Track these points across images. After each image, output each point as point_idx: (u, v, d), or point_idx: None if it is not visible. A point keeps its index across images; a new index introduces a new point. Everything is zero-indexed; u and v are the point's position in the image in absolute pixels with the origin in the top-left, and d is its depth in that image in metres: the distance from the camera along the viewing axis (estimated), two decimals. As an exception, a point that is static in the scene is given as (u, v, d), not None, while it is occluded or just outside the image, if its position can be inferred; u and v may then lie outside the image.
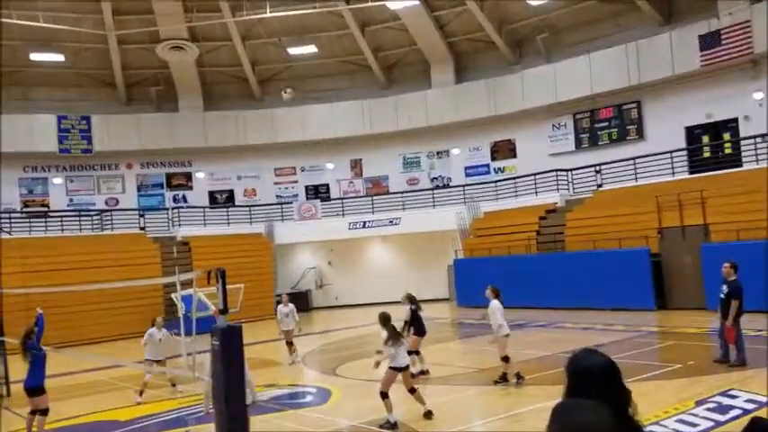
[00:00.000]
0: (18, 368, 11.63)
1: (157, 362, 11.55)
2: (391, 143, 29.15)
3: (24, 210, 26.89)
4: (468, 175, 28.70)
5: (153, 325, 11.99)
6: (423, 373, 11.42)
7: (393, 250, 28.55)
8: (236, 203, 29.96)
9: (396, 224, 26.75)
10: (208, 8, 26.58)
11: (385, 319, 8.83)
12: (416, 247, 27.13)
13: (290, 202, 29.39)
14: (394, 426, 8.28)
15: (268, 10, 25.29)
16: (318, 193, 30.52)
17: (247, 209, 29.12)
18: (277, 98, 29.84)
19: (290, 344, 14.62)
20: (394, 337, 8.64)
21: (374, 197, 28.76)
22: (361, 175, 30.42)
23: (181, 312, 19.20)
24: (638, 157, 22.48)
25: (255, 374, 10.70)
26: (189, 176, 30.20)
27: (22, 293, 15.71)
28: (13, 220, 25.45)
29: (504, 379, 10.27)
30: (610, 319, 16.92)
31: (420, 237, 26.25)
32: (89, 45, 27.29)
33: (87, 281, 20.30)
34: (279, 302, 15.92)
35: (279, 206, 29.19)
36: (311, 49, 28.70)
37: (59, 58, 27.02)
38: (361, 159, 30.34)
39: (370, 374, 10.56)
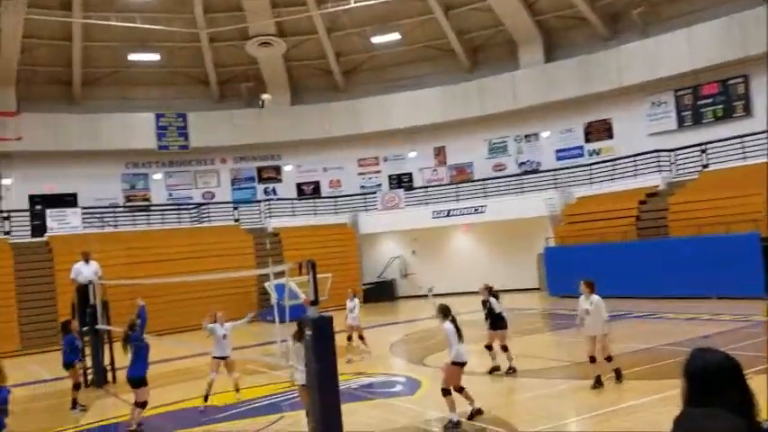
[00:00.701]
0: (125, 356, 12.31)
1: (223, 359, 10.57)
2: (476, 129, 28.67)
3: (127, 204, 28.46)
4: (559, 158, 27.76)
5: (215, 320, 10.80)
6: (495, 369, 11.00)
7: (478, 239, 28.12)
8: (323, 195, 30.47)
9: (481, 212, 26.28)
10: (294, 2, 27.05)
11: (445, 312, 8.37)
12: (503, 236, 26.57)
13: (374, 192, 29.56)
14: (457, 425, 7.88)
15: (353, 0, 25.43)
16: (401, 182, 30.52)
17: (333, 200, 29.56)
18: (360, 89, 30.06)
19: (360, 337, 14.12)
20: (458, 330, 8.22)
21: (458, 185, 28.41)
22: (445, 163, 30.13)
23: (273, 301, 19.70)
24: (746, 135, 20.99)
25: (343, 363, 10.69)
26: (278, 169, 31.01)
27: (127, 284, 16.57)
28: (117, 215, 27.01)
29: (599, 383, 9.30)
30: (716, 309, 15.93)
31: (507, 224, 25.67)
32: (183, 44, 28.43)
33: (186, 271, 21.27)
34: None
35: (363, 196, 29.44)
36: (394, 36, 28.63)
37: (155, 57, 28.33)
38: (444, 146, 30.05)
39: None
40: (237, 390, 10.54)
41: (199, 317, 21.65)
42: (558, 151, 27.94)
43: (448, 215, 27.04)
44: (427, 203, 28.21)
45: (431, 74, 29.63)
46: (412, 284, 28.73)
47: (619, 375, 9.46)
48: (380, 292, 27.66)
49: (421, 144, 30.04)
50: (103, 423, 10.08)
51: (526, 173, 27.95)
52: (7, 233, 23.23)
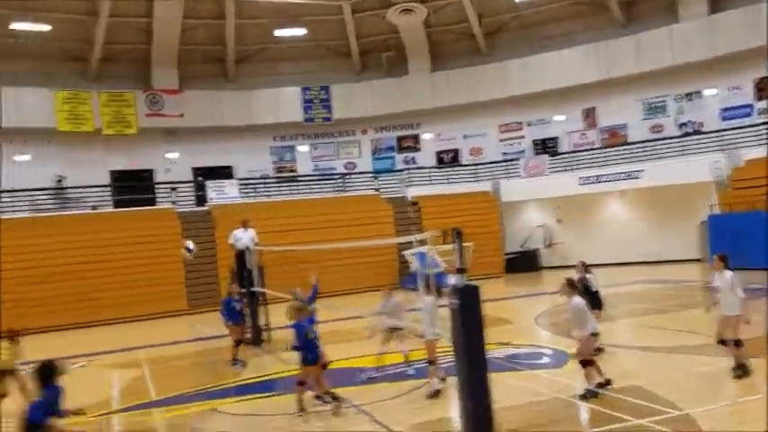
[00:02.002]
0: (279, 317, 12.94)
1: (398, 330, 10.13)
2: (630, 88, 26.69)
3: (276, 175, 29.93)
4: (725, 118, 25.13)
5: (390, 295, 10.43)
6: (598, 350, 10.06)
7: (631, 206, 26.32)
8: (463, 162, 30.06)
9: (636, 177, 24.48)
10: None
11: (572, 286, 8.28)
12: (660, 203, 24.64)
13: (517, 159, 28.64)
14: (595, 395, 7.78)
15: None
16: (546, 147, 29.26)
17: (473, 167, 29.06)
18: (503, 51, 29.06)
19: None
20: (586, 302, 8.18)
21: (610, 149, 26.69)
22: (595, 126, 28.41)
23: (414, 269, 19.75)
24: None
25: (487, 333, 10.39)
26: (417, 138, 31.00)
27: (279, 250, 17.40)
28: (268, 185, 28.49)
29: (741, 369, 8.20)
30: None
31: (665, 190, 23.73)
32: (326, 17, 29.01)
33: (329, 239, 22.02)
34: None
35: (505, 163, 28.62)
36: (541, -8, 27.27)
37: (301, 32, 29.17)
38: (594, 108, 28.31)
39: (608, 338, 9.79)
40: (407, 359, 10.27)
41: (342, 283, 22.66)
42: (723, 110, 25.28)
43: (597, 181, 25.53)
44: (574, 169, 26.84)
45: (580, 31, 27.91)
46: (557, 254, 27.63)
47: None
48: (523, 263, 26.91)
49: (568, 106, 28.53)
50: (261, 379, 10.63)
51: (687, 134, 25.61)
52: (174, 203, 25.34)
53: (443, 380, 8.67)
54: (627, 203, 26.43)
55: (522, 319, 14.58)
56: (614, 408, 7.45)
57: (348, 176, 29.10)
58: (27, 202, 24.01)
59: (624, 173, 24.83)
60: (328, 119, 29.64)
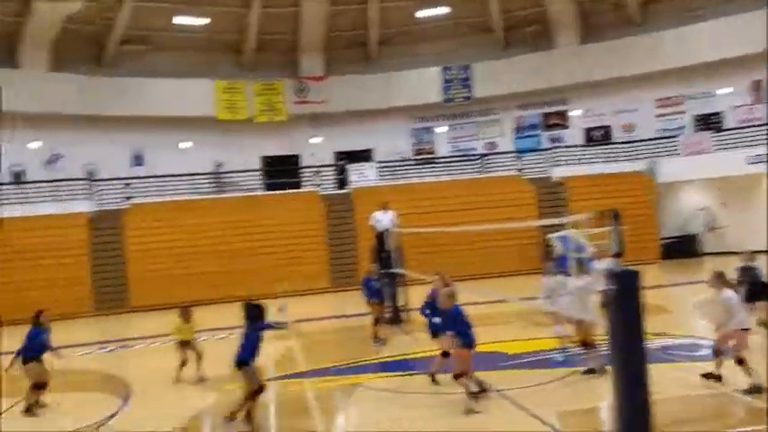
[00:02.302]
0: (417, 298, 12.97)
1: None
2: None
3: (415, 157, 30.04)
4: None
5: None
6: None
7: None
8: (614, 140, 28.34)
9: (814, 155, 21.68)
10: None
11: (722, 279, 7.91)
12: None
13: (675, 136, 26.45)
14: (759, 390, 7.24)
15: None
16: (709, 123, 26.72)
17: (626, 145, 27.27)
18: (660, 20, 26.88)
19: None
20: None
21: (783, 124, 23.83)
22: (766, 100, 25.48)
23: (559, 253, 18.86)
24: None
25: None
26: (564, 115, 29.65)
27: (417, 232, 17.44)
28: (407, 167, 28.69)
29: None
30: None
31: None
32: (469, -6, 28.50)
33: (467, 221, 21.75)
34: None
35: (661, 141, 26.55)
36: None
37: (443, 11, 28.82)
38: (762, 80, 25.37)
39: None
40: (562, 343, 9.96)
41: (481, 266, 22.32)
42: None
43: (768, 160, 22.92)
44: (741, 147, 24.28)
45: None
46: (721, 240, 25.26)
47: None
48: (682, 248, 24.89)
49: (735, 78, 25.79)
50: (400, 358, 10.73)
51: None
52: (318, 186, 26.35)
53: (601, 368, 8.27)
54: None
55: (680, 308, 13.48)
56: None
57: (488, 157, 28.53)
58: (191, 186, 26.09)
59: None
60: (468, 98, 29.17)
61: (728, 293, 7.85)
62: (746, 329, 7.81)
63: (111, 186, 24.87)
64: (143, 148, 27.74)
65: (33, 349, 9.08)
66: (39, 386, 9.05)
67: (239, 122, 28.23)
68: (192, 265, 22.26)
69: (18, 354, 9.04)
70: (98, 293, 22.13)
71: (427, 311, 9.22)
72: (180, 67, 27.88)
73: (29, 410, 8.91)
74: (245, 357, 7.18)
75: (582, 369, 8.74)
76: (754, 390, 7.34)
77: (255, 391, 7.18)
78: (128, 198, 24.50)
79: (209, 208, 24.07)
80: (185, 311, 10.51)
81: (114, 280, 22.42)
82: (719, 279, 7.91)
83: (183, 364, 10.34)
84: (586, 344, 8.55)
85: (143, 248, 22.49)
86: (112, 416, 8.70)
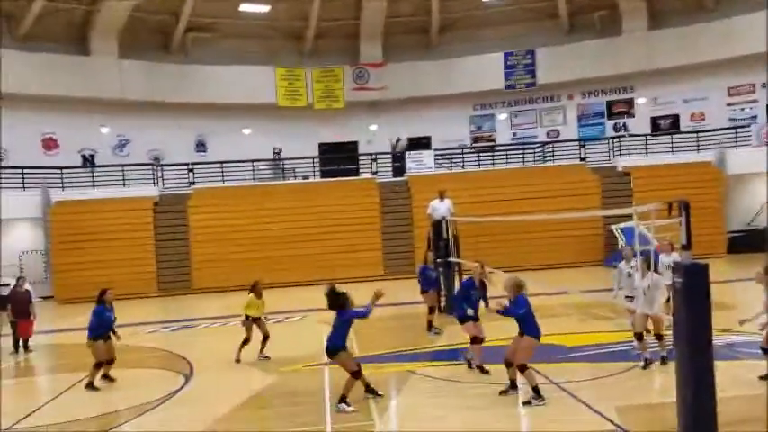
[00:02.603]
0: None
1: (630, 298, 9.57)
2: None
3: (474, 145, 29.69)
4: None
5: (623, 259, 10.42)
6: None
7: None
8: (682, 129, 27.25)
9: None
10: None
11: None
12: None
13: (748, 126, 25.25)
14: None
15: None
16: (784, 113, 25.36)
17: (694, 135, 26.19)
18: (733, 5, 25.61)
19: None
20: None
21: None
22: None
23: (621, 245, 18.36)
24: None
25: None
26: (630, 103, 28.73)
27: (475, 221, 17.26)
28: (465, 155, 28.40)
29: None
30: None
31: None
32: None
33: (528, 210, 21.38)
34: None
35: (733, 130, 25.37)
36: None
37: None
38: None
39: None
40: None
41: (541, 257, 21.92)
42: None
43: None
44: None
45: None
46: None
47: None
48: (751, 242, 23.75)
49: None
50: (455, 347, 10.67)
51: None
52: (374, 173, 26.39)
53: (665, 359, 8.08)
54: None
55: (748, 304, 12.86)
56: None
57: (550, 145, 27.92)
58: (251, 172, 26.62)
59: None
60: (532, 84, 28.59)
61: None
62: None
63: (175, 171, 25.64)
64: (206, 135, 28.45)
65: (102, 327, 9.49)
66: (105, 362, 9.46)
67: (298, 109, 28.55)
68: (250, 249, 22.74)
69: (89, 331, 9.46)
70: (162, 275, 22.93)
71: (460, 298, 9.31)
72: (242, 54, 28.39)
73: (90, 385, 9.32)
74: (338, 344, 7.66)
75: (641, 364, 8.51)
76: None
77: (356, 371, 7.72)
78: (191, 183, 25.21)
79: (268, 194, 24.50)
80: (257, 287, 10.75)
81: (177, 262, 23.17)
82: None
83: (247, 341, 10.59)
84: (657, 336, 8.42)
85: (205, 232, 23.15)
86: (176, 392, 9.00)
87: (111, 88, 25.67)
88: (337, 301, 7.61)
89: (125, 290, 18.83)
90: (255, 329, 10.68)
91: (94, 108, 25.82)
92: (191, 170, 25.56)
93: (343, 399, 7.50)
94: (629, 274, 9.77)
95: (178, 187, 25.02)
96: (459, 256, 14.72)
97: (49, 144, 25.88)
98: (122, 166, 25.10)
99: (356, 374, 7.70)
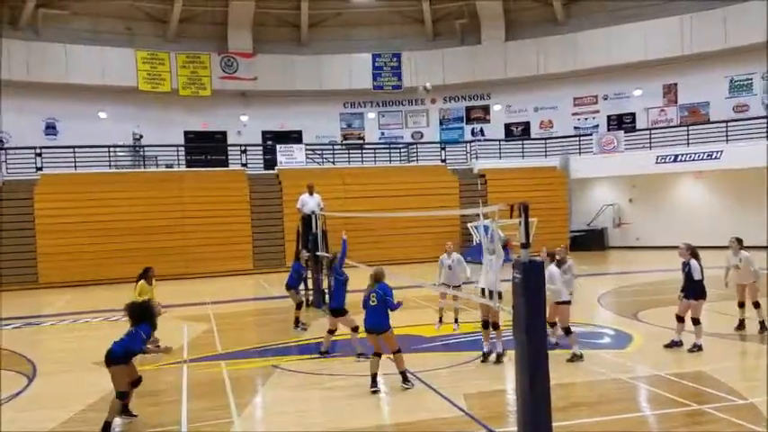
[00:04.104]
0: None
1: (455, 287, 10.98)
2: (715, 64, 25.37)
3: (344, 142, 30.14)
4: (816, 99, 23.54)
5: (445, 252, 11.45)
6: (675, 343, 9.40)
7: (709, 188, 25.20)
8: (532, 136, 29.41)
9: (716, 158, 23.40)
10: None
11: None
12: (743, 186, 23.49)
13: (590, 134, 27.80)
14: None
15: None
16: (622, 123, 28.23)
17: (543, 141, 28.39)
18: (582, 20, 28.05)
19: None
20: None
21: (690, 127, 25.53)
22: (676, 102, 27.19)
23: (476, 241, 19.54)
24: None
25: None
26: (487, 109, 30.49)
27: (343, 216, 17.59)
28: (335, 151, 28.76)
29: (741, 326, 10.34)
30: None
31: (749, 173, 22.58)
32: (400, -19, 28.70)
33: (394, 208, 22.12)
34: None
35: (576, 138, 27.84)
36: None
37: (375, -3, 28.88)
38: (676, 84, 27.06)
39: (672, 323, 9.54)
40: (456, 321, 11.30)
41: (404, 252, 22.79)
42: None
43: (675, 160, 24.54)
44: (651, 147, 25.83)
45: (666, 1, 26.51)
46: (625, 235, 26.87)
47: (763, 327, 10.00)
48: (590, 241, 26.29)
49: (648, 81, 27.38)
50: (322, 340, 10.87)
51: (775, 115, 24.17)
52: (244, 165, 25.98)
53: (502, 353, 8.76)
54: (704, 185, 25.30)
55: (585, 298, 14.29)
56: (675, 392, 7.31)
57: (414, 145, 28.99)
58: (106, 158, 25.13)
59: (704, 153, 23.74)
60: (398, 87, 29.48)
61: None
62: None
63: (21, 156, 23.62)
64: (57, 118, 26.45)
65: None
66: None
67: (161, 95, 27.36)
68: (105, 241, 21.54)
69: None
70: (4, 267, 21.08)
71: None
72: (99, 34, 26.71)
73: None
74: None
75: (483, 352, 9.17)
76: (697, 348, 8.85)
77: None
78: (38, 168, 23.37)
79: (126, 182, 23.31)
80: (150, 273, 10.69)
81: (21, 254, 21.41)
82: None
83: None
84: (567, 329, 9.08)
85: (53, 222, 21.57)
86: (17, 394, 8.44)
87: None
88: (139, 312, 7.19)
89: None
90: None
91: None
92: (38, 154, 23.67)
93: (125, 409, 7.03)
94: (450, 267, 11.20)
95: (24, 173, 23.09)
96: (327, 251, 14.94)
97: None
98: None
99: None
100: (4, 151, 23.64)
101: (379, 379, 7.92)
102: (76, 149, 24.15)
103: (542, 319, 5.66)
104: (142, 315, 7.07)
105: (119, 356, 6.80)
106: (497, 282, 6.89)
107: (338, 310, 9.71)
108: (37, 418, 7.47)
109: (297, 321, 12.17)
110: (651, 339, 10.11)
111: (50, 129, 26.44)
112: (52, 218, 21.61)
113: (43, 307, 17.47)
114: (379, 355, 7.88)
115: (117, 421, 6.90)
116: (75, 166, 23.86)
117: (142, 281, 10.70)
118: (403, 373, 7.82)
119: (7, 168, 23.19)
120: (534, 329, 5.45)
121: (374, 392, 7.68)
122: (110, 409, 6.74)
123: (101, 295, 18.42)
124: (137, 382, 7.03)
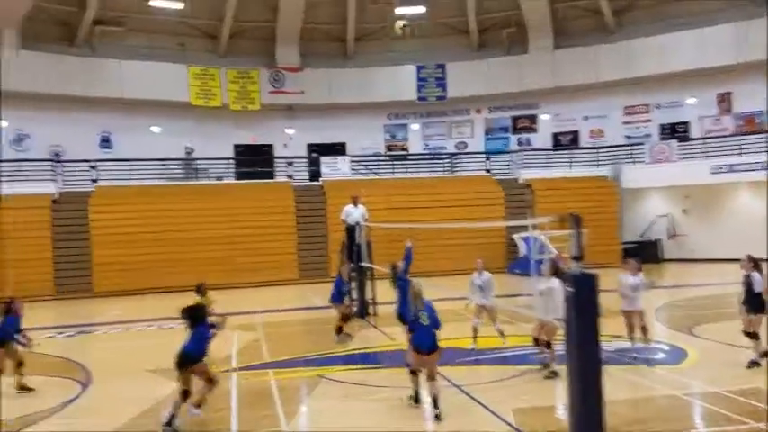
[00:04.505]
0: (384, 292, 13.15)
1: (484, 306, 10.68)
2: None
3: (388, 153, 30.19)
4: None
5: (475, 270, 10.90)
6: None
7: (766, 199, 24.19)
8: (581, 145, 28.89)
9: (773, 169, 22.47)
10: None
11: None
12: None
13: (641, 143, 27.14)
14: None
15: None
16: (675, 132, 27.47)
17: (593, 151, 27.84)
18: (633, 28, 27.49)
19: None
20: None
21: (745, 136, 24.63)
22: (730, 111, 26.31)
23: (522, 253, 19.22)
24: None
25: (601, 324, 10.08)
26: (534, 119, 30.10)
27: (387, 227, 17.58)
28: (379, 163, 28.85)
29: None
30: None
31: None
32: (446, -7, 28.68)
33: (437, 218, 22.01)
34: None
35: (628, 147, 27.19)
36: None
37: (421, 9, 28.87)
38: (730, 93, 26.20)
39: (734, 338, 9.16)
40: (502, 334, 10.73)
41: (448, 264, 22.58)
42: None
43: (730, 170, 23.71)
44: (706, 156, 25.02)
45: (720, 10, 25.72)
46: (681, 246, 26.02)
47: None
48: (642, 253, 25.42)
49: (702, 89, 26.56)
50: (367, 350, 10.86)
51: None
52: (290, 177, 26.30)
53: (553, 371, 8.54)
54: (761, 195, 24.32)
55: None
56: (732, 409, 7.01)
57: (458, 156, 28.83)
58: (159, 171, 25.79)
59: (760, 162, 22.85)
60: (442, 97, 29.42)
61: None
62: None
63: (77, 168, 24.47)
64: (111, 131, 27.33)
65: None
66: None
67: (212, 109, 27.98)
68: (157, 251, 22.06)
69: None
70: (59, 277, 21.80)
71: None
72: (153, 50, 27.51)
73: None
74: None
75: (538, 367, 8.97)
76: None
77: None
78: (93, 181, 24.16)
79: (178, 194, 23.87)
80: (201, 287, 10.63)
81: (77, 264, 22.12)
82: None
83: None
84: (546, 344, 8.75)
85: (107, 233, 22.23)
86: (71, 401, 8.65)
87: (11, 80, 24.15)
88: (196, 314, 7.55)
89: (19, 292, 17.75)
90: None
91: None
92: (93, 167, 24.48)
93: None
94: (481, 287, 10.69)
95: (80, 185, 23.90)
96: (371, 262, 14.96)
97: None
98: (20, 161, 23.70)
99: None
100: (60, 164, 24.52)
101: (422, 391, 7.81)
102: (130, 162, 24.87)
103: (595, 332, 5.49)
104: (196, 316, 7.47)
105: (195, 357, 7.25)
106: (560, 308, 6.38)
107: (400, 316, 9.59)
108: (92, 424, 7.63)
109: (339, 330, 12.16)
110: (707, 355, 9.75)
111: (105, 142, 27.32)
112: (106, 228, 22.27)
113: (97, 315, 17.97)
114: (416, 373, 7.71)
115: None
116: (129, 179, 24.57)
117: (196, 296, 10.50)
118: (435, 398, 7.42)
119: (64, 180, 24.03)
120: (587, 344, 5.30)
121: (416, 405, 7.56)
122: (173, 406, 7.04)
123: (153, 304, 18.84)
124: (212, 380, 7.39)
